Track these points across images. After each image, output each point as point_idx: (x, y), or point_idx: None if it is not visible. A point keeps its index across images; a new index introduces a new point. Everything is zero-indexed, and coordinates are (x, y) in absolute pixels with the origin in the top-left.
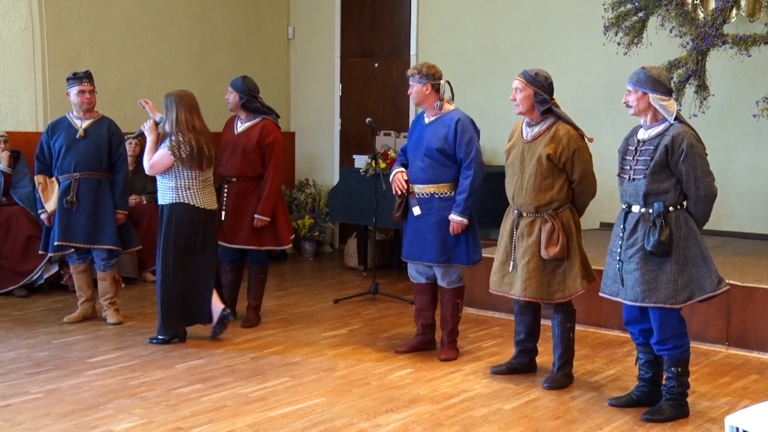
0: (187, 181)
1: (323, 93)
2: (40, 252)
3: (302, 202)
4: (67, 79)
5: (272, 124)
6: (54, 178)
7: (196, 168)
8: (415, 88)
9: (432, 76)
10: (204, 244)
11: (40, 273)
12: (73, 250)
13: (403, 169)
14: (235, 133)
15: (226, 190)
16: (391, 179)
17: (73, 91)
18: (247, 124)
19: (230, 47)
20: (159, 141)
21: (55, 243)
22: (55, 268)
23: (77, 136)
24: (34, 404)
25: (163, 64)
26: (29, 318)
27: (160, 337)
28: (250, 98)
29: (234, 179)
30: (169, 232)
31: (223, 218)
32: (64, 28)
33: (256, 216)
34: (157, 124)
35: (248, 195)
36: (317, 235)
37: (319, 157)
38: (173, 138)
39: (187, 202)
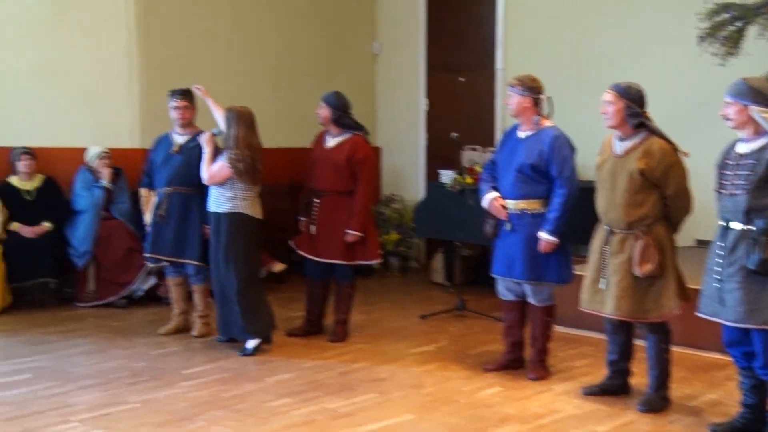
0: (243, 192)
1: (409, 107)
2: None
3: (388, 217)
4: (168, 96)
5: (363, 139)
6: (154, 192)
7: (249, 182)
8: (515, 100)
9: (534, 90)
10: (257, 251)
11: (138, 285)
12: (167, 262)
13: (496, 194)
14: (326, 148)
15: (316, 204)
16: (487, 205)
17: (170, 106)
18: (338, 139)
19: (316, 63)
20: (217, 153)
21: (145, 255)
22: (153, 280)
23: (171, 151)
24: (132, 413)
25: (249, 80)
26: (127, 329)
27: (249, 347)
28: (342, 114)
29: (324, 193)
30: (235, 240)
31: (313, 232)
32: (158, 47)
33: (347, 231)
34: (214, 135)
35: (338, 209)
36: (403, 250)
37: (405, 172)
38: (231, 152)
39: (244, 212)
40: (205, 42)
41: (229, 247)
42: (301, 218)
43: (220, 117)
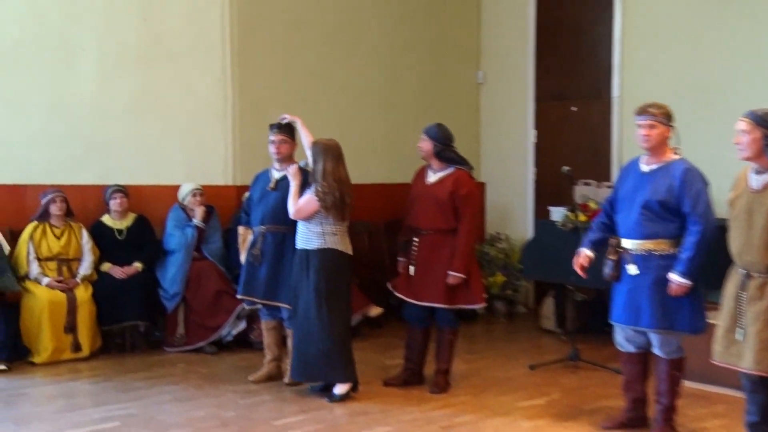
0: (332, 227)
1: (516, 140)
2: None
3: (493, 257)
4: None
5: (466, 175)
6: (251, 231)
7: (338, 217)
8: (657, 130)
9: (671, 119)
10: (348, 289)
11: (228, 329)
12: (260, 305)
13: (588, 252)
14: (427, 183)
15: (416, 244)
16: (577, 254)
17: (269, 140)
18: (440, 174)
19: (416, 94)
20: (303, 186)
21: (237, 296)
22: (243, 325)
23: (268, 187)
24: None
25: (347, 112)
26: (217, 375)
27: (337, 393)
28: (444, 147)
29: (425, 232)
30: (325, 277)
31: (412, 273)
32: (253, 79)
33: (450, 273)
34: (300, 169)
35: (440, 249)
36: (510, 293)
37: (512, 209)
38: (319, 186)
39: (335, 247)
40: (303, 74)
41: (319, 284)
42: (400, 258)
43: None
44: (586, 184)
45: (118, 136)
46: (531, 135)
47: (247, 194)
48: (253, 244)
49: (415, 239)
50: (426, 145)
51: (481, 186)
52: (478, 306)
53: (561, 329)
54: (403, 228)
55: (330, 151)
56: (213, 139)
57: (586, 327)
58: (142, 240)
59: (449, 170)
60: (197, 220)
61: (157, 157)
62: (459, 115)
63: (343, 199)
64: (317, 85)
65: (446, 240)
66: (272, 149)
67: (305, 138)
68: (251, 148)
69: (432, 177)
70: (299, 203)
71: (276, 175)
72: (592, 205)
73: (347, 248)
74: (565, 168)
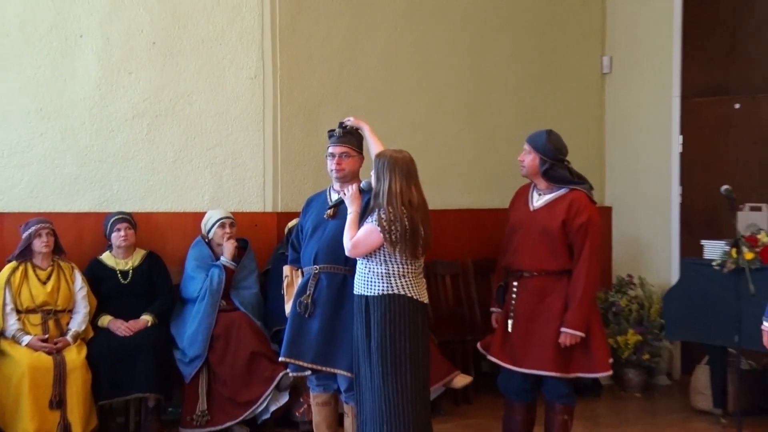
0: (400, 267)
1: (654, 149)
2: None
3: (623, 309)
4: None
5: (585, 197)
6: (300, 272)
7: (408, 253)
8: None
9: None
10: (424, 349)
11: (266, 404)
12: (309, 372)
13: None
14: (531, 209)
15: (515, 290)
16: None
17: (328, 152)
18: (549, 197)
19: (517, 89)
20: (365, 213)
21: (279, 359)
22: (285, 398)
23: (325, 215)
24: None
25: (425, 115)
26: None
27: None
28: (555, 161)
29: (527, 274)
30: (391, 333)
31: (510, 328)
32: (301, 75)
33: (563, 330)
34: (362, 190)
35: (547, 297)
36: (647, 359)
37: (648, 243)
38: (383, 212)
39: (403, 293)
40: (362, 67)
41: (382, 344)
42: (494, 309)
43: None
44: (755, 209)
45: (124, 149)
46: (676, 142)
47: (293, 223)
48: (302, 290)
49: (515, 284)
50: (530, 158)
51: (606, 212)
52: (603, 375)
53: (721, 409)
54: (498, 269)
55: (399, 166)
56: (248, 151)
57: (757, 407)
58: (154, 285)
59: (561, 191)
60: (226, 259)
61: (175, 177)
62: (575, 117)
63: (416, 229)
64: (385, 80)
65: (557, 285)
66: (331, 165)
67: (375, 149)
68: (299, 163)
69: (538, 201)
70: (358, 235)
71: (335, 198)
72: (763, 239)
73: (421, 295)
74: (725, 187)
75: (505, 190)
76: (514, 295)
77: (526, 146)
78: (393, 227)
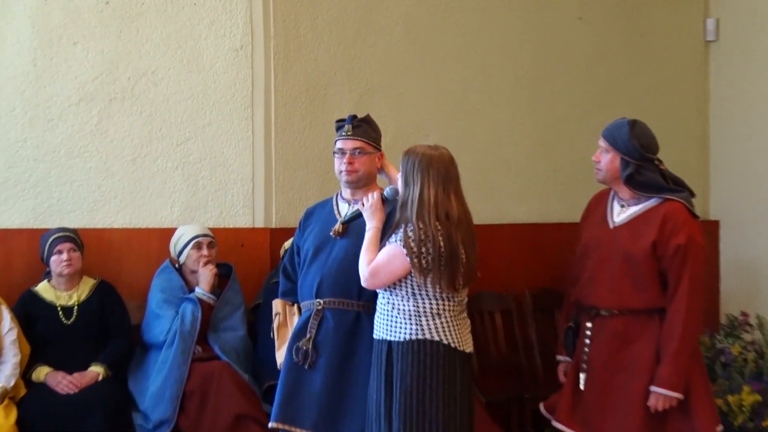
0: (434, 303)
1: None
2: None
3: (735, 358)
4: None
5: (683, 210)
6: (296, 307)
7: (444, 285)
8: None
9: None
10: (467, 413)
11: None
12: None
13: None
14: (610, 226)
15: (589, 333)
16: None
17: (335, 148)
18: (634, 210)
19: (590, 63)
20: (385, 231)
21: (269, 424)
22: None
23: (331, 232)
24: None
25: (466, 98)
26: None
27: None
28: (642, 163)
29: (605, 312)
30: (423, 391)
31: (582, 385)
32: (302, 45)
33: (654, 389)
34: (385, 200)
35: (633, 344)
36: None
37: None
38: (412, 228)
39: (437, 338)
40: (387, 34)
41: (408, 403)
42: (561, 358)
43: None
44: None
45: (67, 144)
46: None
47: (288, 244)
48: (300, 332)
49: (589, 325)
50: (608, 158)
51: (712, 228)
52: None
53: None
54: (565, 305)
55: (434, 167)
56: (232, 147)
57: None
58: (106, 325)
59: (651, 202)
60: (203, 290)
61: (135, 181)
62: (669, 100)
63: (455, 252)
64: (414, 51)
65: (646, 328)
66: (340, 164)
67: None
68: (299, 163)
69: (619, 215)
70: (377, 259)
71: (345, 210)
72: None
73: (463, 341)
74: None
75: (575, 199)
76: (587, 341)
77: (603, 142)
78: (424, 249)
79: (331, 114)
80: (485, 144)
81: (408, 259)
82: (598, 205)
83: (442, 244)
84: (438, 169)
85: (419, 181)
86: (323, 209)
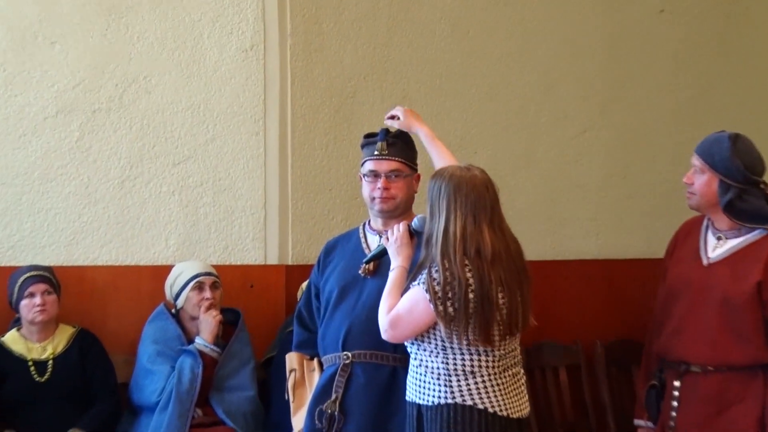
0: (467, 359)
1: None
2: None
3: None
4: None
5: None
6: (316, 362)
7: (477, 336)
8: None
9: None
10: None
11: None
12: None
13: None
14: (704, 262)
15: (677, 393)
16: None
17: (365, 170)
18: (734, 243)
19: (675, 65)
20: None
21: None
22: None
23: (361, 271)
24: None
25: (524, 105)
26: None
27: None
28: (745, 187)
29: (697, 369)
30: None
31: None
32: (325, 44)
33: None
34: (414, 233)
35: (732, 408)
36: None
37: None
38: (436, 268)
39: (471, 402)
40: (428, 34)
41: None
42: (641, 423)
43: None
44: None
45: (42, 164)
46: None
47: (305, 286)
48: (323, 392)
49: (676, 383)
50: (703, 180)
51: None
52: None
53: None
54: (647, 359)
55: (463, 193)
56: (240, 168)
57: None
58: (88, 383)
59: (754, 235)
60: (204, 341)
61: (122, 208)
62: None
63: (487, 295)
64: (461, 49)
65: (749, 389)
66: (372, 190)
67: (438, 160)
68: (321, 187)
69: (716, 249)
70: (399, 307)
71: (375, 243)
72: None
73: (508, 404)
74: None
75: (658, 230)
76: (675, 403)
77: (698, 161)
78: (449, 293)
79: (359, 128)
80: (548, 164)
81: (432, 305)
82: (688, 236)
83: (470, 286)
84: (467, 195)
85: (444, 211)
86: (348, 242)
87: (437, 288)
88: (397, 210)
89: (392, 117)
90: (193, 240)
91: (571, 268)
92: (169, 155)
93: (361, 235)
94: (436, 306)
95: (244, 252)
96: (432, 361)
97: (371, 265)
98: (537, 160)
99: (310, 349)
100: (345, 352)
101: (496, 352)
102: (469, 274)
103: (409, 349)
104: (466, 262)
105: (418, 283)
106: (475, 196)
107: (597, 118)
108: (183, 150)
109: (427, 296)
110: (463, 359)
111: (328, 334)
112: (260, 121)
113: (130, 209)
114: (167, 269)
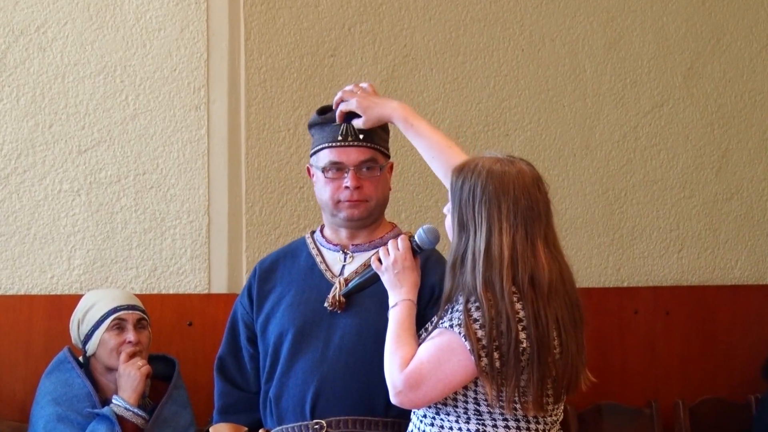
0: (511, 427)
1: None
2: None
3: None
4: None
5: None
6: None
7: (531, 401)
8: None
9: None
10: None
11: None
12: None
13: None
14: None
15: None
16: None
17: (322, 162)
18: None
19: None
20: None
21: None
22: None
23: (327, 304)
24: None
25: (589, 78)
26: None
27: None
28: None
29: None
30: None
31: None
32: (278, 31)
33: None
34: (417, 249)
35: None
36: None
37: None
38: (475, 303)
39: None
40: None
41: None
42: None
43: (444, 177)
44: None
45: None
46: None
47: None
48: None
49: None
50: None
51: None
52: None
53: None
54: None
55: (509, 195)
56: (172, 159)
57: None
58: None
59: None
60: (124, 401)
61: (4, 215)
62: None
63: (544, 342)
64: (498, 40)
65: None
66: (336, 190)
67: (426, 151)
68: (285, 185)
69: None
70: (420, 357)
71: (335, 261)
72: None
73: None
74: None
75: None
76: None
77: None
78: (496, 339)
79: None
80: (610, 151)
81: (474, 357)
82: None
83: (525, 329)
84: (516, 199)
85: (485, 222)
86: (294, 262)
87: (480, 332)
88: (371, 217)
89: (341, 103)
90: (107, 259)
91: (641, 298)
92: (72, 139)
93: (313, 250)
94: (478, 358)
95: (180, 276)
96: (463, 426)
97: (336, 298)
98: (594, 146)
99: (244, 414)
100: (316, 421)
101: (548, 419)
102: (521, 312)
103: (422, 412)
104: (516, 293)
105: (450, 326)
106: (528, 200)
107: (679, 87)
108: (92, 132)
109: (467, 344)
110: (500, 421)
111: (286, 395)
112: (202, 89)
113: (18, 215)
114: (72, 300)
